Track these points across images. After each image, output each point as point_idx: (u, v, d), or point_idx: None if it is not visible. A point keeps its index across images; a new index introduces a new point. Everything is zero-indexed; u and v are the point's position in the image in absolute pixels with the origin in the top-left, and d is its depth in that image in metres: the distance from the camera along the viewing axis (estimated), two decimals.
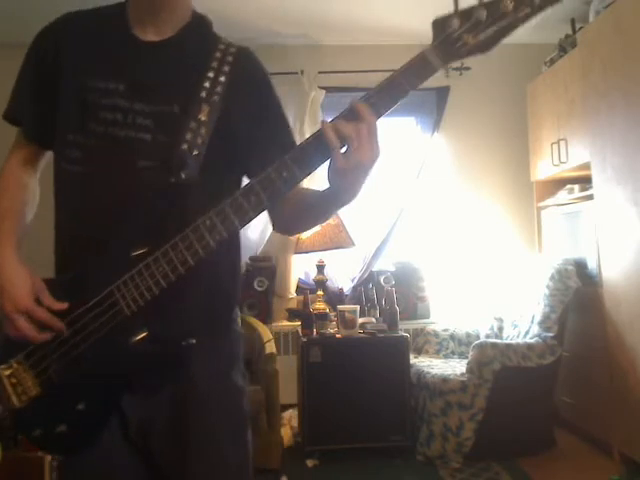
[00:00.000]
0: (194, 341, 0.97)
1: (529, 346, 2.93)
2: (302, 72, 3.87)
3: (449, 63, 0.88)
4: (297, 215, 1.10)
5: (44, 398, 0.97)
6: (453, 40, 0.87)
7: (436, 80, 3.90)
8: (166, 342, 0.96)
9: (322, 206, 1.03)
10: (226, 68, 1.06)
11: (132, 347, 0.95)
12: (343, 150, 0.88)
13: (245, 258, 3.78)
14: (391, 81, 0.88)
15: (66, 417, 0.97)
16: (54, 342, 0.97)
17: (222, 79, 1.05)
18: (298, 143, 0.99)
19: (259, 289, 3.73)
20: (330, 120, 0.90)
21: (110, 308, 0.95)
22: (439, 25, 0.88)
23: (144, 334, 0.95)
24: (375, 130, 0.88)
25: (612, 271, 2.87)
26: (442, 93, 3.96)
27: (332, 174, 0.90)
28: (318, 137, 0.89)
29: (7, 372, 0.98)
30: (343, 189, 0.92)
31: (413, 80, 0.88)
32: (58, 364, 0.97)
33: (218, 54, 1.07)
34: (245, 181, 1.11)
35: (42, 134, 1.09)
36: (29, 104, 1.09)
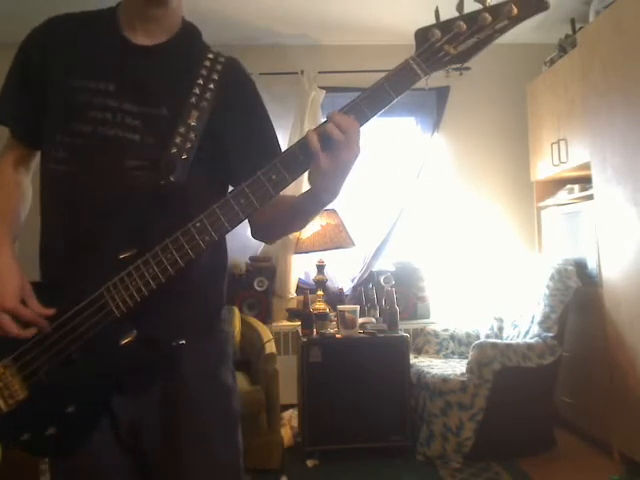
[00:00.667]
0: (184, 342, 0.97)
1: (529, 346, 2.93)
2: (302, 72, 3.86)
3: (432, 72, 0.92)
4: (276, 219, 1.11)
5: (32, 401, 0.97)
6: (435, 50, 0.92)
7: (436, 80, 3.91)
8: (156, 343, 0.97)
9: (302, 208, 1.04)
10: (215, 76, 1.08)
11: (122, 348, 0.95)
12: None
13: (245, 258, 3.79)
14: (377, 88, 0.92)
15: (56, 420, 0.97)
16: (43, 344, 0.96)
17: (211, 86, 1.07)
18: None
19: (259, 289, 3.73)
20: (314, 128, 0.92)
21: (100, 310, 0.95)
22: (421, 35, 0.92)
23: (134, 335, 0.95)
24: (357, 136, 0.90)
25: (612, 271, 2.87)
26: (442, 93, 3.97)
27: (314, 174, 0.93)
28: (305, 141, 0.92)
29: None
30: (324, 188, 0.94)
31: (398, 87, 0.92)
32: (47, 366, 0.96)
33: (207, 63, 1.09)
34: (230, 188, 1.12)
35: (29, 134, 1.10)
36: (14, 105, 1.10)
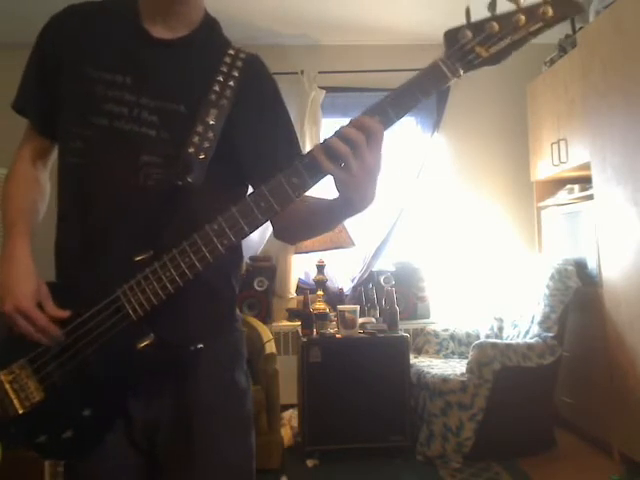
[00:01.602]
0: (202, 346, 0.96)
1: (529, 346, 2.93)
2: (302, 72, 3.87)
3: (462, 74, 0.88)
4: (303, 223, 1.08)
5: (48, 404, 0.96)
6: (466, 52, 0.87)
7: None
8: (173, 347, 0.96)
9: (332, 214, 1.00)
10: (235, 73, 1.05)
11: (139, 352, 0.93)
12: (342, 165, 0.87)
13: (245, 258, 3.78)
14: (404, 90, 0.88)
15: (72, 423, 0.96)
16: (58, 347, 0.95)
17: (231, 83, 1.04)
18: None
19: (259, 289, 3.73)
20: (323, 140, 0.88)
21: (115, 313, 0.93)
22: (451, 36, 0.88)
23: (151, 339, 0.94)
24: (379, 139, 0.87)
25: (612, 271, 2.87)
26: (442, 93, 3.96)
27: (339, 187, 0.89)
28: (325, 146, 0.88)
29: (9, 377, 0.97)
30: (354, 200, 0.91)
31: (426, 89, 0.88)
32: (63, 369, 0.96)
33: (228, 59, 1.07)
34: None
35: (47, 125, 1.08)
36: (33, 95, 1.08)
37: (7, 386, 0.97)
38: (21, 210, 1.06)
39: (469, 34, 0.87)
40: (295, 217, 1.05)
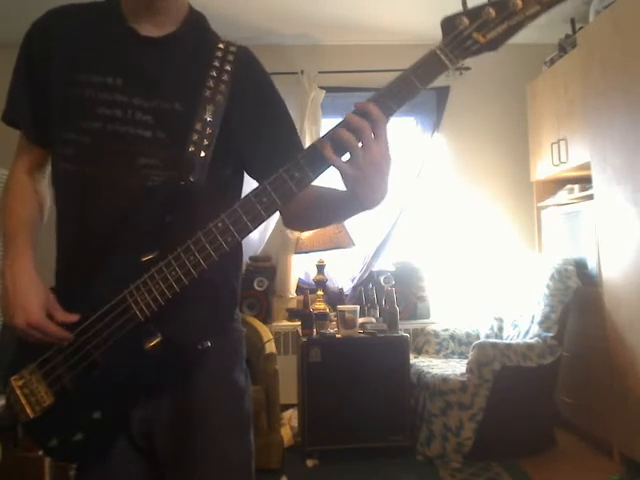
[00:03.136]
0: (209, 344, 0.96)
1: (529, 346, 2.93)
2: (302, 72, 3.87)
3: (460, 61, 0.88)
4: (314, 214, 1.07)
5: (59, 407, 0.96)
6: (463, 38, 0.87)
7: (436, 80, 3.90)
8: (180, 346, 0.96)
9: (342, 209, 1.00)
10: (228, 67, 1.04)
11: (147, 352, 0.93)
12: (347, 158, 0.87)
13: (245, 258, 3.78)
14: (402, 79, 0.88)
15: (83, 426, 0.96)
16: (67, 350, 0.96)
17: (225, 78, 1.03)
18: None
19: (259, 289, 3.73)
20: (328, 131, 0.88)
21: (123, 314, 0.93)
22: (448, 23, 0.87)
23: (159, 339, 0.94)
24: (383, 128, 0.88)
25: (612, 271, 2.87)
26: (442, 93, 3.96)
27: (347, 182, 0.89)
28: (330, 137, 0.88)
29: (19, 383, 0.97)
30: (363, 195, 0.91)
31: (424, 78, 0.88)
32: (72, 372, 0.96)
33: (219, 53, 1.05)
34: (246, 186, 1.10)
35: (42, 134, 1.06)
36: (24, 105, 1.06)
37: (18, 391, 0.97)
38: (22, 221, 1.05)
39: (466, 21, 0.87)
40: (305, 207, 1.03)
